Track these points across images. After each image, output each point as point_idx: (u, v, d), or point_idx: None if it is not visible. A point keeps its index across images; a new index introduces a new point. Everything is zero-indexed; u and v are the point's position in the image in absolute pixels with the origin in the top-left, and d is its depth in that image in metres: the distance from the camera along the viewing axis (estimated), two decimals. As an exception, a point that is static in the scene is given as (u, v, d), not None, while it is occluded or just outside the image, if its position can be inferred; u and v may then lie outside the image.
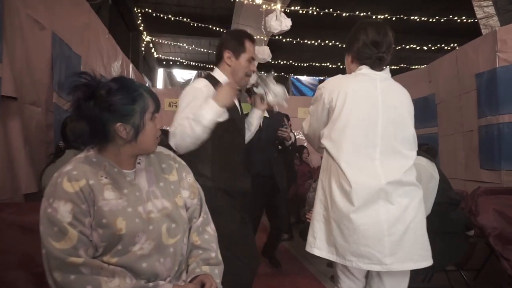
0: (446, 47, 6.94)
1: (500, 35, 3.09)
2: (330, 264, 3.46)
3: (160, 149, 1.28)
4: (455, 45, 6.60)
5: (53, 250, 0.98)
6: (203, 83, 1.71)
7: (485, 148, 3.24)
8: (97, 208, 1.04)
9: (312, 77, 9.62)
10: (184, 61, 8.62)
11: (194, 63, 8.67)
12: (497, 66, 3.09)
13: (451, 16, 6.04)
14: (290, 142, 3.45)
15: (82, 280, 0.98)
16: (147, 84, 8.13)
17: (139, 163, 1.18)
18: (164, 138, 3.60)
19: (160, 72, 9.46)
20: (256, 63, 1.91)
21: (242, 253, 1.77)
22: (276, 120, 3.59)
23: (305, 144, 6.47)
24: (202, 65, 8.69)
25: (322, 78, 9.68)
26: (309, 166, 5.92)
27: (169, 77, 9.49)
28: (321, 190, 1.49)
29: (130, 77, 5.15)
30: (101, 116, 1.05)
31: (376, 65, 1.49)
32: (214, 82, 1.74)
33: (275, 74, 2.12)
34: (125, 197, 1.09)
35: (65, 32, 2.65)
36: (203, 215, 1.29)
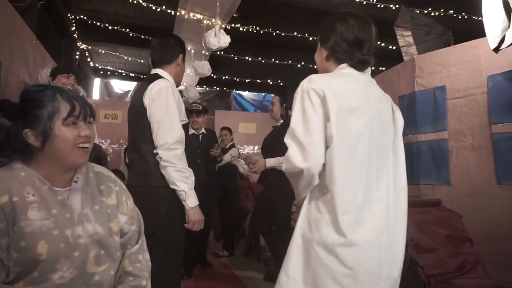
0: (375, 69, 7.51)
1: (417, 62, 3.43)
2: (268, 279, 3.51)
3: (101, 169, 1.21)
4: (384, 68, 7.18)
5: None
6: (167, 81, 1.84)
7: (407, 164, 3.53)
8: (17, 228, 0.94)
9: (253, 93, 9.83)
10: (123, 72, 8.31)
11: (133, 74, 8.40)
12: (416, 90, 3.42)
13: (378, 43, 6.60)
14: (220, 159, 3.88)
15: None
16: (81, 94, 7.68)
17: (76, 181, 1.09)
18: (101, 154, 3.44)
19: (97, 82, 9.01)
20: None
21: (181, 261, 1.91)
22: (211, 137, 4.02)
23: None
24: (142, 76, 8.46)
25: (263, 94, 9.92)
26: (249, 182, 5.98)
27: (107, 88, 9.05)
28: (305, 215, 1.21)
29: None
30: (15, 122, 1.00)
31: (359, 68, 1.27)
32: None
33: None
34: (53, 218, 1.00)
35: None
36: (140, 242, 1.23)
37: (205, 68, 4.47)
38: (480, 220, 2.81)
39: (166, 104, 1.75)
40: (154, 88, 1.78)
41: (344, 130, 1.14)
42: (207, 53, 5.51)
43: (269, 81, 7.79)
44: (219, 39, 3.49)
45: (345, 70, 1.27)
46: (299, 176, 1.15)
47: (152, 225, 1.74)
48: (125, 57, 7.28)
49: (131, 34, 6.19)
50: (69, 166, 1.09)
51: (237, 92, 9.61)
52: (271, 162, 3.11)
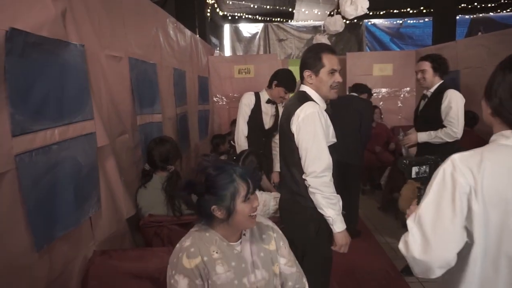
0: None
1: None
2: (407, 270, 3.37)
3: (260, 219, 1.44)
4: None
5: None
6: (314, 106, 1.80)
7: None
8: (211, 282, 1.24)
9: (388, 20, 8.61)
10: (250, 16, 8.34)
11: (261, 18, 8.35)
12: None
13: None
14: None
15: None
16: (215, 44, 8.13)
17: (244, 234, 1.36)
18: (219, 140, 3.88)
19: (227, 28, 9.33)
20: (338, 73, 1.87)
21: None
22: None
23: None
24: (269, 19, 8.33)
25: (400, 20, 8.63)
26: (387, 129, 5.72)
27: (236, 33, 9.31)
28: None
29: (199, 52, 5.14)
30: (202, 198, 1.28)
31: None
32: (310, 99, 1.85)
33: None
34: (233, 270, 1.27)
35: (139, 50, 2.71)
36: (305, 281, 1.46)
37: (337, 25, 4.10)
38: None
39: (314, 132, 1.75)
40: (301, 114, 1.78)
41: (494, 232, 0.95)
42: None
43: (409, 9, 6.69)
44: (356, 7, 3.06)
45: (509, 141, 0.98)
46: (413, 264, 1.02)
47: (303, 245, 1.88)
48: (251, 5, 7.21)
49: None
50: (243, 230, 1.36)
51: (370, 21, 8.60)
52: (422, 136, 2.97)
